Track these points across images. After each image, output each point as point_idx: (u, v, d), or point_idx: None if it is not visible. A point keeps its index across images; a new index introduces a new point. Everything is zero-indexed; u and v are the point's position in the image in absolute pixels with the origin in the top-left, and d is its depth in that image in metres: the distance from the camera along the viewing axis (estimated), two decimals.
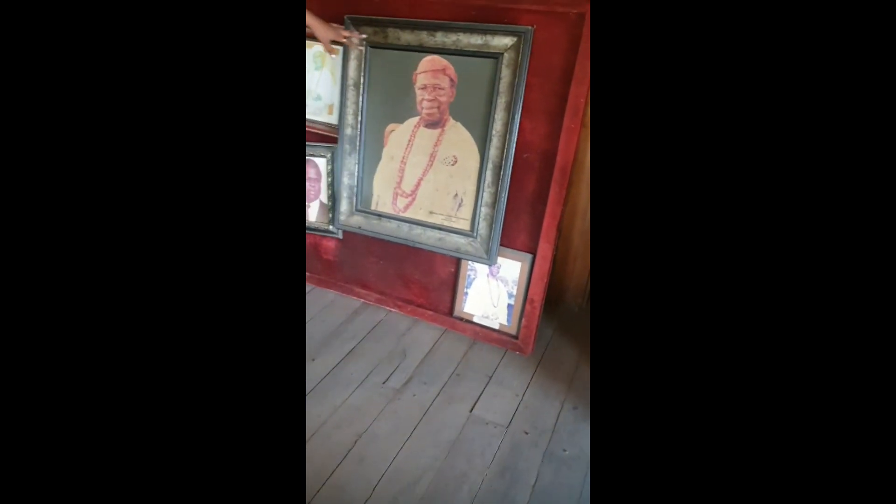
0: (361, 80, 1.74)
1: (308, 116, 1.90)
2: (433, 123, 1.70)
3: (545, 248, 1.62)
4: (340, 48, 1.76)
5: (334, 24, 1.65)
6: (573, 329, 1.93)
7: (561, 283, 2.01)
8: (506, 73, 1.54)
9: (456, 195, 1.73)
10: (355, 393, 1.58)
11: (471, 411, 1.54)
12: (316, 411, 1.50)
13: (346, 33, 1.65)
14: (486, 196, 1.66)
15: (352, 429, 1.46)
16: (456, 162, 1.70)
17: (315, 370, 1.66)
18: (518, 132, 1.57)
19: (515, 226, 1.68)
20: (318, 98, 1.87)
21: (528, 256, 1.68)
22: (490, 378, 1.67)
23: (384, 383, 1.63)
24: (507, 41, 1.52)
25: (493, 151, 1.62)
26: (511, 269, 1.72)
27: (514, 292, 1.73)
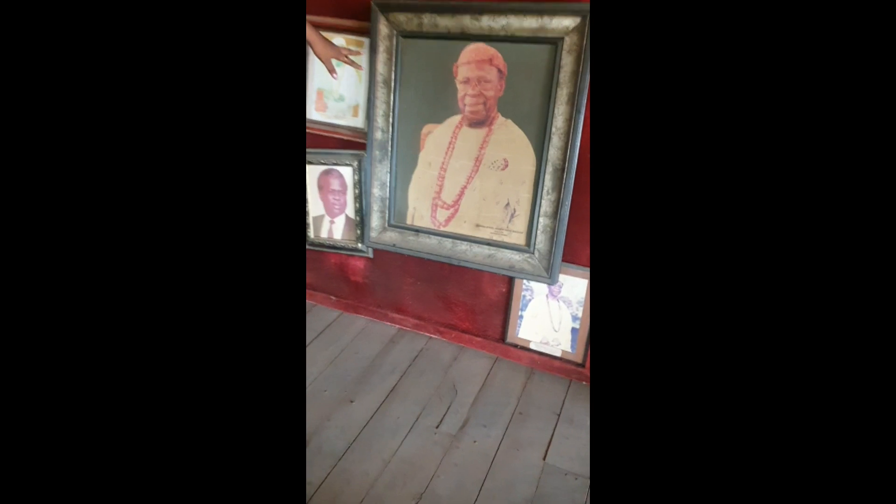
0: (393, 76, 1.51)
1: (329, 120, 1.66)
2: (478, 122, 1.47)
3: None
4: (363, 50, 1.53)
5: (335, 43, 1.45)
6: None
7: None
8: (567, 61, 1.31)
9: (507, 204, 1.50)
10: (406, 441, 1.35)
11: (544, 459, 1.31)
12: (363, 467, 1.27)
13: (346, 52, 1.47)
14: (545, 205, 1.43)
15: (408, 488, 1.23)
16: (506, 166, 1.47)
17: (356, 414, 1.43)
18: (583, 128, 1.34)
19: (580, 238, 1.46)
20: (341, 99, 1.64)
21: None
22: (559, 416, 1.44)
23: (437, 427, 1.40)
24: (569, 23, 1.29)
25: (552, 152, 1.39)
26: (575, 287, 1.49)
27: (580, 314, 1.50)
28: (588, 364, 1.52)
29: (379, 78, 1.52)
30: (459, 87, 1.46)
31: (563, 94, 1.34)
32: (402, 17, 1.45)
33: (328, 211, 1.77)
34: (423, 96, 1.51)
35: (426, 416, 1.43)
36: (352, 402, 1.48)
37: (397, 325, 1.79)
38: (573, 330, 1.52)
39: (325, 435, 1.36)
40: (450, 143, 1.53)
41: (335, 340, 1.72)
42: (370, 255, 1.75)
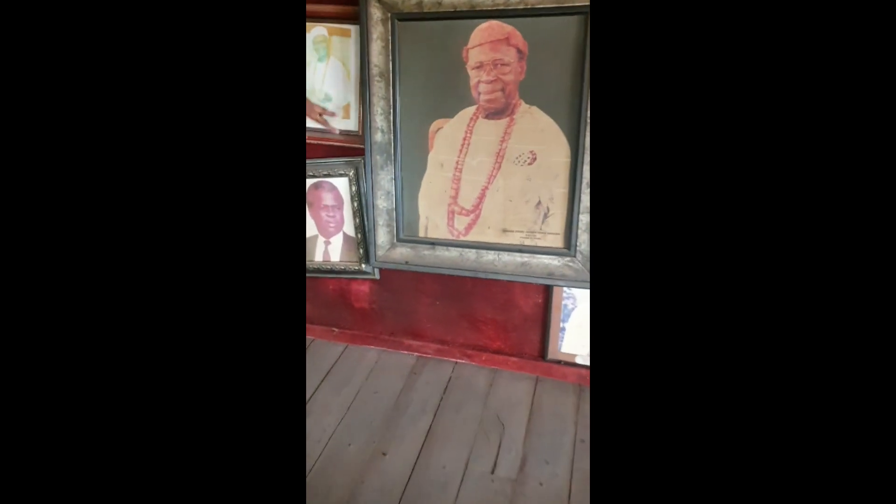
0: (391, 67, 1.28)
1: (314, 125, 1.42)
2: (497, 112, 1.27)
3: None
4: (351, 40, 1.31)
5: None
6: None
7: None
8: None
9: (539, 203, 1.31)
10: (462, 496, 1.14)
11: None
12: None
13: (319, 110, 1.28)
14: (586, 199, 1.25)
15: None
16: (534, 159, 1.28)
17: (393, 469, 1.20)
18: None
19: None
20: (328, 98, 1.40)
21: None
22: None
23: (493, 473, 1.19)
24: None
25: (589, 139, 1.21)
26: None
27: None
28: None
29: (374, 71, 1.29)
30: (472, 73, 1.26)
31: None
32: None
33: (322, 230, 1.52)
34: (428, 88, 1.30)
35: (477, 461, 1.22)
36: (384, 454, 1.25)
37: (416, 353, 1.56)
38: None
39: (364, 500, 1.13)
40: (464, 139, 1.32)
41: (347, 381, 1.48)
42: (376, 276, 1.52)
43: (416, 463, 1.22)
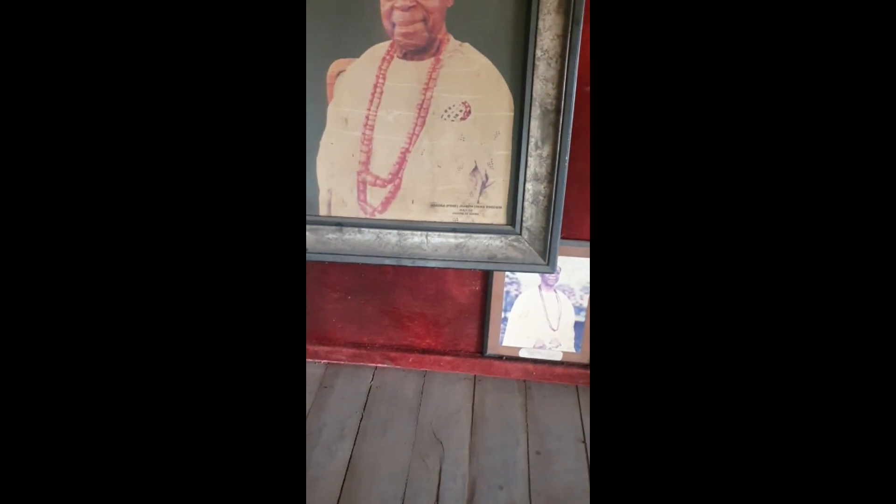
0: None
1: None
2: (418, 50, 0.97)
3: None
4: None
5: None
6: None
7: None
8: None
9: (475, 169, 1.04)
10: None
11: None
12: None
13: None
14: (534, 164, 1.01)
15: None
16: (468, 113, 1.00)
17: None
18: (580, 49, 0.93)
19: (580, 203, 1.07)
20: None
21: None
22: (585, 444, 1.08)
23: None
24: None
25: (538, 86, 0.96)
26: (578, 271, 1.12)
27: (585, 304, 1.14)
28: None
29: None
30: None
31: None
32: None
33: None
34: (324, 17, 0.95)
35: (415, 497, 0.98)
36: None
37: (325, 361, 1.26)
38: (577, 325, 1.16)
39: None
40: (375, 86, 1.00)
41: None
42: None
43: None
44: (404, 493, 0.98)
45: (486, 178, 1.05)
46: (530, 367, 1.21)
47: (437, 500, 0.98)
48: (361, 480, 1.00)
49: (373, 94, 1.01)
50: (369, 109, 1.02)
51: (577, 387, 1.21)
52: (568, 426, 1.12)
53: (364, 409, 1.16)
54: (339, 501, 0.97)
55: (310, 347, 1.25)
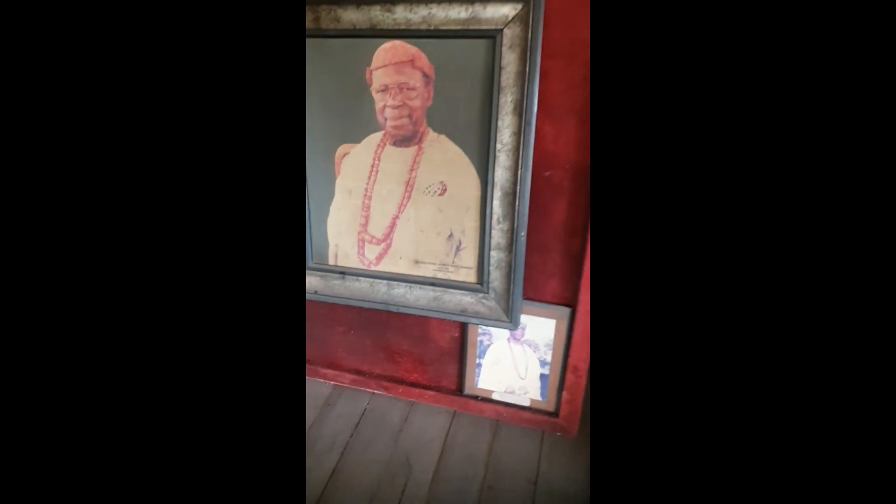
0: None
1: None
2: (405, 139, 1.18)
3: (589, 301, 1.16)
4: None
5: None
6: None
7: None
8: (510, 59, 1.04)
9: (451, 236, 1.23)
10: None
11: None
12: None
13: None
14: (497, 236, 1.17)
15: None
16: (445, 190, 1.20)
17: None
18: (535, 141, 1.09)
19: (543, 269, 1.21)
20: None
21: (565, 311, 1.21)
22: (535, 485, 1.21)
23: None
24: (508, 10, 1.01)
25: (499, 172, 1.13)
26: (541, 329, 1.26)
27: (549, 359, 1.27)
28: (562, 413, 1.30)
29: None
30: (377, 96, 1.16)
31: (507, 101, 1.07)
32: None
33: None
34: (332, 110, 1.20)
35: None
36: None
37: (332, 382, 1.50)
38: (542, 376, 1.30)
39: None
40: (372, 166, 1.23)
41: None
42: None
43: None
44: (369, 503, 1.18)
45: (460, 243, 1.23)
46: (501, 409, 1.35)
47: None
48: (337, 490, 1.21)
49: (370, 172, 1.24)
50: (368, 184, 1.25)
51: (542, 432, 1.34)
52: (523, 467, 1.25)
53: (355, 428, 1.37)
54: (316, 501, 1.18)
55: (320, 370, 1.49)
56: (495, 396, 1.36)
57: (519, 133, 1.08)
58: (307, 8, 1.10)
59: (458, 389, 1.39)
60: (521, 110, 1.06)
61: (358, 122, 1.20)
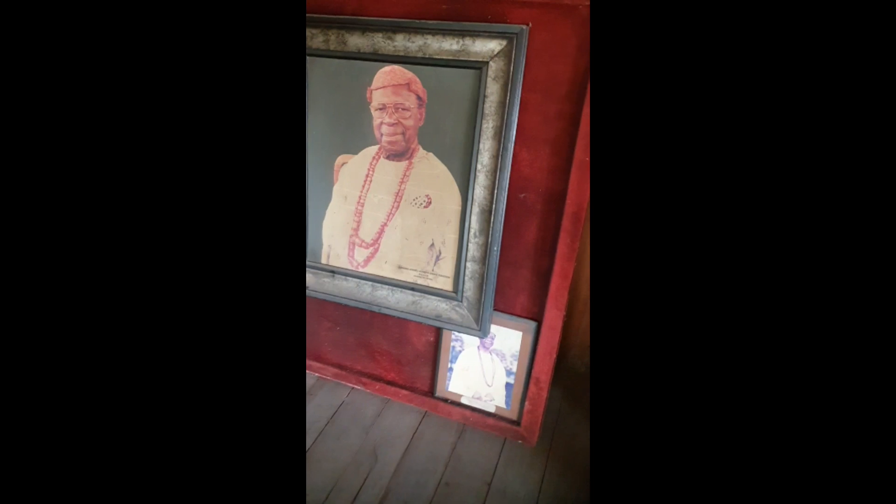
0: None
1: None
2: (397, 154, 1.29)
3: (553, 317, 1.24)
4: None
5: None
6: (583, 397, 1.57)
7: (564, 340, 1.64)
8: (493, 89, 1.15)
9: (432, 245, 1.33)
10: None
11: None
12: None
13: None
14: (472, 249, 1.27)
15: None
16: (430, 203, 1.30)
17: None
18: (513, 165, 1.19)
19: (514, 284, 1.30)
20: None
21: (532, 325, 1.30)
22: (489, 486, 1.28)
23: None
24: (494, 46, 1.12)
25: (478, 191, 1.23)
26: (509, 339, 1.34)
27: (514, 369, 1.35)
28: (524, 422, 1.37)
29: None
30: (375, 114, 1.28)
31: (488, 127, 1.17)
32: (308, 33, 1.25)
33: None
34: (335, 123, 1.32)
35: (339, 492, 1.25)
36: None
37: (317, 374, 1.60)
38: (507, 385, 1.37)
39: None
40: (367, 176, 1.34)
41: None
42: None
43: None
44: (332, 488, 1.26)
45: (440, 253, 1.33)
46: (468, 413, 1.43)
47: (354, 500, 1.24)
48: (309, 470, 1.30)
49: (365, 181, 1.35)
50: (361, 192, 1.36)
51: (504, 439, 1.41)
52: (481, 469, 1.32)
53: (331, 418, 1.46)
54: None
55: (307, 361, 1.60)
56: (463, 401, 1.44)
57: (497, 157, 1.18)
58: (318, 31, 1.23)
59: (430, 391, 1.48)
60: (500, 136, 1.16)
61: (357, 136, 1.31)
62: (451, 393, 1.45)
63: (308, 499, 1.23)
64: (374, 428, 1.44)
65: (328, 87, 1.29)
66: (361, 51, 1.22)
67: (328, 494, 1.25)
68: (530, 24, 1.08)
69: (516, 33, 1.09)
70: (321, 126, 1.33)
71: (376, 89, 1.26)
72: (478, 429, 1.43)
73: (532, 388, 1.33)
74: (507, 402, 1.39)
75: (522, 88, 1.13)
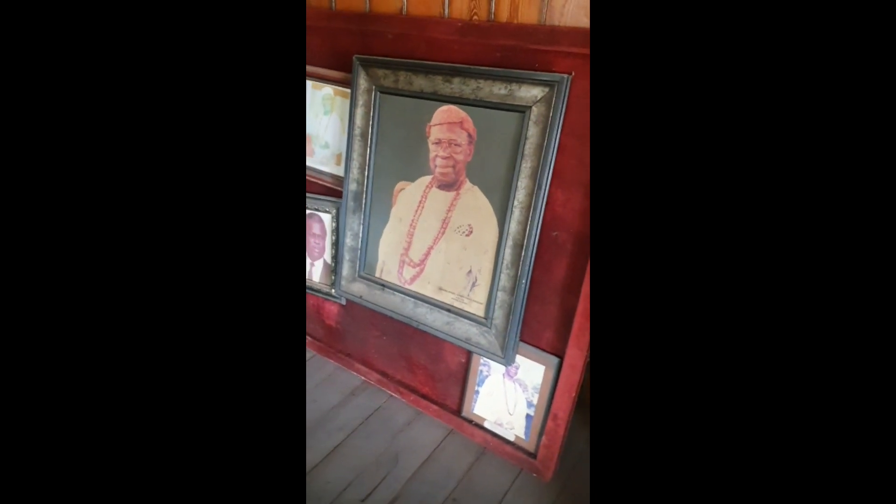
0: (370, 130, 1.48)
1: (315, 166, 1.67)
2: (447, 185, 1.41)
3: (575, 355, 1.26)
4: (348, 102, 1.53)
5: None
6: None
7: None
8: (533, 132, 1.22)
9: (470, 271, 1.42)
10: None
11: None
12: None
13: None
14: (504, 279, 1.34)
15: None
16: (471, 232, 1.39)
17: None
18: (546, 205, 1.24)
19: (541, 318, 1.34)
20: (326, 146, 1.64)
21: (554, 360, 1.32)
22: None
23: (362, 501, 1.33)
24: (537, 92, 1.20)
25: (513, 225, 1.30)
26: (532, 372, 1.37)
27: (535, 401, 1.38)
28: (540, 455, 1.38)
29: (357, 131, 1.50)
30: (431, 147, 1.41)
31: (526, 167, 1.24)
32: (380, 73, 1.42)
33: (309, 253, 1.77)
34: (397, 153, 1.48)
35: (356, 487, 1.37)
36: None
37: (362, 377, 1.74)
38: (527, 416, 1.40)
39: None
40: (420, 202, 1.48)
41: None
42: (342, 301, 1.72)
43: (308, 472, 1.40)
44: (352, 481, 1.38)
45: (476, 279, 1.41)
46: (489, 437, 1.47)
47: (367, 497, 1.34)
48: (332, 462, 1.44)
49: (418, 207, 1.48)
50: (414, 216, 1.49)
51: (520, 470, 1.42)
52: (491, 494, 1.35)
53: (366, 419, 1.59)
54: (313, 469, 1.42)
55: (356, 364, 1.74)
56: (486, 425, 1.48)
57: (532, 195, 1.24)
58: (390, 71, 1.40)
59: (458, 410, 1.54)
60: (536, 176, 1.23)
61: (415, 165, 1.45)
62: (475, 415, 1.50)
63: (328, 487, 1.36)
64: (402, 435, 1.53)
65: (395, 121, 1.45)
66: (424, 91, 1.37)
67: (346, 486, 1.36)
68: (573, 73, 1.15)
69: (558, 81, 1.16)
70: (387, 154, 1.49)
71: (434, 125, 1.39)
72: (496, 454, 1.47)
73: (550, 423, 1.34)
74: (526, 434, 1.41)
75: (562, 132, 1.19)
